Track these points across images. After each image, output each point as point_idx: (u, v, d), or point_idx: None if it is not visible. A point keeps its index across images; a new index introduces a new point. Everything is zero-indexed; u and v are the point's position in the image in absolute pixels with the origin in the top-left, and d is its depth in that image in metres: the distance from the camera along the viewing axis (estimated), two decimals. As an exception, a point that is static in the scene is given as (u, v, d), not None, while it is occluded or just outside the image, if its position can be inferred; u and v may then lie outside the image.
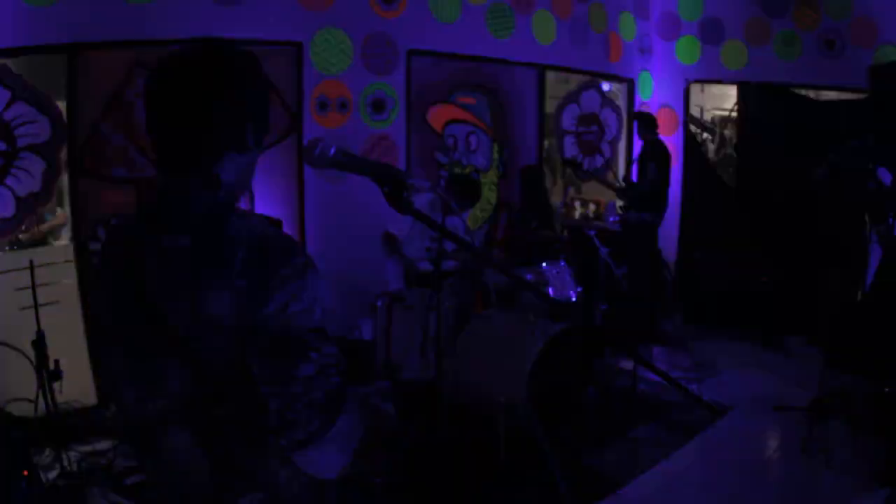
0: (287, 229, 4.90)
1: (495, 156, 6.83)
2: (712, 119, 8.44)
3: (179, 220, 1.36)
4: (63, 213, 4.84)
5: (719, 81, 7.68)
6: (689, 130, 7.93)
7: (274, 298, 1.29)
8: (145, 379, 1.38)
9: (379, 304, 4.62)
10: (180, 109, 1.34)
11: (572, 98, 7.54)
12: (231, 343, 1.30)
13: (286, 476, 1.44)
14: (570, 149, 7.57)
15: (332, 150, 1.56)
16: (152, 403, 1.37)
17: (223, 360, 1.32)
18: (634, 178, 7.45)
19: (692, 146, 7.93)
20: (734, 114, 7.72)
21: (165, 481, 1.44)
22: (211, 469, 1.38)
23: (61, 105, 4.33)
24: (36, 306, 3.52)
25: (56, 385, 3.58)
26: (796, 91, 7.11)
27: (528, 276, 4.64)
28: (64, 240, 4.82)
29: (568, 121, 7.52)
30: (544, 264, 4.77)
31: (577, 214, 7.78)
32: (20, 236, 4.63)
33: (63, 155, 4.36)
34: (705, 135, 8.19)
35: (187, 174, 1.38)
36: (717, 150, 8.46)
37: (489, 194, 6.85)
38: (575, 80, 7.62)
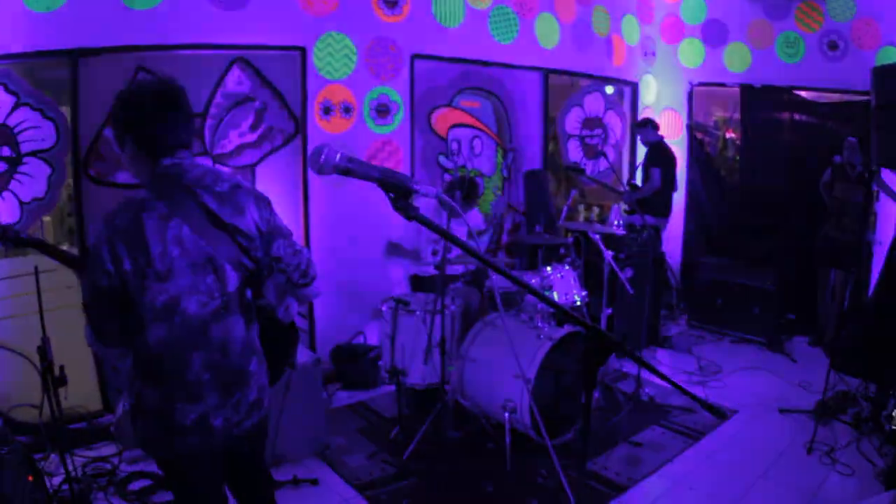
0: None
1: (499, 160, 6.83)
2: (714, 121, 8.43)
3: (205, 178, 2.15)
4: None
5: (722, 85, 7.68)
6: (694, 133, 7.93)
7: (273, 215, 2.31)
8: (206, 287, 2.10)
9: (384, 308, 4.61)
10: (181, 112, 2.15)
11: (576, 101, 7.55)
12: (263, 244, 2.25)
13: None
14: (575, 152, 7.57)
15: (338, 156, 1.56)
16: (213, 302, 2.12)
17: (259, 259, 2.24)
18: (639, 181, 7.44)
19: (696, 149, 7.94)
20: (736, 115, 7.72)
21: (222, 365, 2.16)
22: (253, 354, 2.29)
23: (65, 110, 4.33)
24: (41, 311, 3.51)
25: (61, 390, 3.58)
26: (798, 93, 7.11)
27: (533, 280, 4.63)
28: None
29: (572, 124, 7.53)
30: (548, 268, 4.76)
31: (581, 218, 7.77)
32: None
33: (67, 160, 4.37)
34: (707, 138, 8.19)
35: (183, 155, 2.15)
36: (720, 153, 8.44)
37: (493, 198, 6.85)
38: (579, 84, 7.63)
